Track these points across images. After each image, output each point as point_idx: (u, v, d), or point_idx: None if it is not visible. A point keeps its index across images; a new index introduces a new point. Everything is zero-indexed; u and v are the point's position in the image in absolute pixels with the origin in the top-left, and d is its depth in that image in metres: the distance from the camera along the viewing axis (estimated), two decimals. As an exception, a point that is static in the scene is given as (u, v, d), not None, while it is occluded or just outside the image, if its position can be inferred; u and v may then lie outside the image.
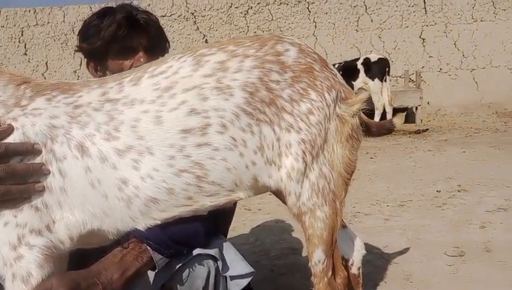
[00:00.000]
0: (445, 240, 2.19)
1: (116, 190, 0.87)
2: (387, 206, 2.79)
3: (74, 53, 7.19)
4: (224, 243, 1.11)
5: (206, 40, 7.16)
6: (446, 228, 2.35)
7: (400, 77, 7.06)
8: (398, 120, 1.15)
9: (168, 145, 0.88)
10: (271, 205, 2.95)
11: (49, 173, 0.86)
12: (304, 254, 2.15)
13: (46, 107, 0.88)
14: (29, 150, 0.85)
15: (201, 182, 0.90)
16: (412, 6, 7.15)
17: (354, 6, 7.22)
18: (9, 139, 0.85)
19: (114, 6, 1.34)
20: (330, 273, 1.02)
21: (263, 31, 7.23)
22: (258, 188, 0.97)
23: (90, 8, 7.12)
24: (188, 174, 0.89)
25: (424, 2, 7.14)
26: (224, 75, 0.91)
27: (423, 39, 7.19)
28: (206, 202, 0.92)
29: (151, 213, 0.90)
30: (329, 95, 0.98)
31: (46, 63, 7.27)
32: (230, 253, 1.10)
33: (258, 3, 7.25)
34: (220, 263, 1.05)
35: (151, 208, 0.89)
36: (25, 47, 7.31)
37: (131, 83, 0.92)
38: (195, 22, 7.28)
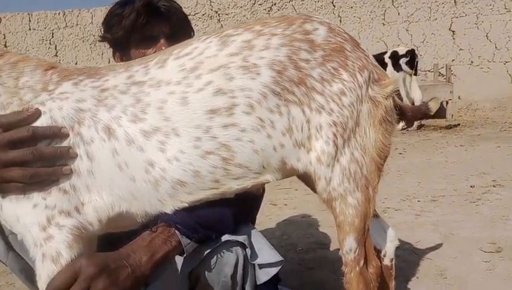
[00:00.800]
0: (480, 236, 2.09)
1: (143, 172, 0.86)
2: (418, 201, 2.70)
3: (102, 54, 7.39)
4: (252, 231, 1.09)
5: None
6: (481, 224, 2.25)
7: (429, 71, 6.85)
8: (434, 104, 1.09)
9: (194, 126, 0.86)
10: (297, 200, 2.91)
11: (77, 156, 0.85)
12: (332, 248, 2.10)
13: (73, 91, 0.88)
14: (56, 133, 0.85)
15: (228, 165, 0.88)
16: (441, -3, 6.93)
17: (380, 0, 7.06)
18: (37, 123, 0.85)
19: None
20: (362, 262, 0.98)
21: (287, 27, 7.19)
22: (286, 171, 0.94)
23: (117, 9, 7.27)
24: (214, 156, 0.87)
25: (454, -7, 6.91)
26: (250, 53, 0.88)
27: (453, 31, 6.95)
28: (233, 185, 0.90)
29: (178, 196, 0.88)
30: (362, 75, 0.94)
31: (76, 64, 7.46)
32: (258, 241, 1.07)
33: (281, 0, 7.21)
34: (248, 250, 1.02)
35: (178, 191, 0.88)
36: (56, 48, 7.53)
37: (156, 66, 0.91)
38: (219, 20, 7.31)
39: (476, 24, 6.86)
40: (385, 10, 7.06)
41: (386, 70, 5.63)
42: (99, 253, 0.88)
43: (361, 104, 0.94)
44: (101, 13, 7.32)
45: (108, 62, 7.24)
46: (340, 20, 7.11)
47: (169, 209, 0.89)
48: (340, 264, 1.01)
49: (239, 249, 1.02)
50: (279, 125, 0.88)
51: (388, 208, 2.59)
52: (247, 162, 0.88)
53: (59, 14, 7.49)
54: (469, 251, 1.94)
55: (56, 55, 7.53)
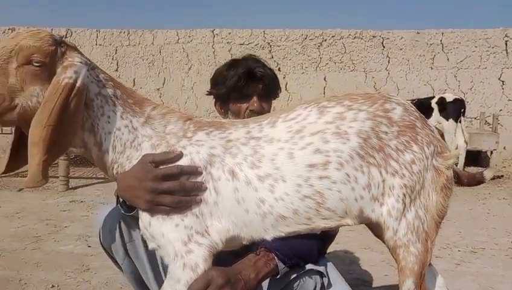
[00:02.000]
0: (520, 293, 2.18)
1: (255, 206, 1.10)
2: (459, 251, 2.79)
3: (158, 73, 7.90)
4: (328, 263, 1.30)
5: (279, 68, 7.49)
6: (521, 281, 2.33)
7: (475, 118, 6.85)
8: (489, 173, 1.27)
9: (297, 175, 1.10)
10: (339, 235, 3.06)
11: (207, 189, 1.10)
12: (374, 285, 2.25)
13: (206, 139, 1.14)
14: (194, 171, 1.10)
15: (319, 207, 1.10)
16: (493, 47, 6.98)
17: (430, 44, 7.20)
18: (180, 162, 1.11)
19: (239, 58, 1.65)
20: (417, 303, 1.16)
21: (335, 63, 7.43)
22: (362, 218, 1.15)
23: (177, 33, 7.79)
24: (310, 200, 1.10)
25: (506, 44, 6.94)
26: (342, 123, 1.12)
27: (502, 81, 6.96)
28: (321, 224, 1.13)
29: (279, 227, 1.12)
30: (429, 149, 1.15)
31: (134, 80, 7.99)
32: (333, 272, 1.28)
33: (333, 36, 7.48)
34: (325, 279, 1.24)
35: (279, 223, 1.11)
36: (117, 64, 8.11)
37: (268, 125, 1.16)
38: (270, 50, 7.66)
39: (527, 76, 6.84)
40: (434, 55, 7.17)
41: (432, 116, 5.73)
42: (222, 267, 1.11)
43: (426, 172, 1.14)
44: (161, 35, 7.85)
45: (164, 81, 7.74)
46: (389, 61, 7.29)
47: (270, 237, 1.12)
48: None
49: (318, 278, 1.24)
50: (361, 181, 1.11)
51: (428, 254, 2.70)
52: (334, 207, 1.11)
53: (124, 32, 8.06)
54: (507, 306, 2.04)
55: (117, 70, 8.09)
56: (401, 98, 1.22)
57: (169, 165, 1.10)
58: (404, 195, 1.12)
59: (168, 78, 7.81)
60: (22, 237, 3.17)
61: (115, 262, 1.43)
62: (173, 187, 1.07)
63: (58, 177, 4.91)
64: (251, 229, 1.12)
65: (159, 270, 1.42)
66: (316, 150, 1.10)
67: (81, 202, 4.30)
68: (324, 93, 7.45)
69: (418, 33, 7.28)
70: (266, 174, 1.10)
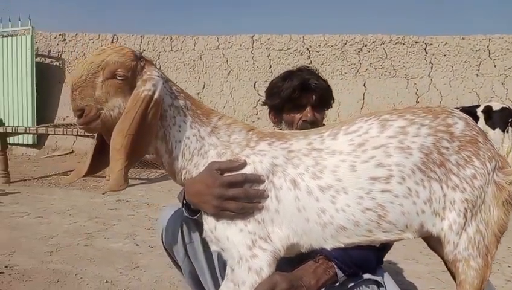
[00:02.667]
0: None
1: (316, 216, 1.14)
2: (509, 267, 2.70)
3: (199, 78, 8.10)
4: (385, 273, 1.32)
5: (318, 73, 7.48)
6: None
7: (524, 127, 6.55)
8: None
9: (359, 188, 1.13)
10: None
11: (268, 197, 1.15)
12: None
13: (268, 149, 1.20)
14: (257, 180, 1.16)
15: (380, 220, 1.13)
16: (545, 53, 6.67)
17: (476, 51, 6.96)
18: (244, 171, 1.17)
19: (294, 70, 1.70)
20: (475, 317, 1.16)
21: (375, 69, 7.34)
22: (422, 233, 1.16)
23: (217, 38, 7.96)
24: (371, 212, 1.12)
25: (560, 50, 6.61)
26: (405, 137, 1.14)
27: (555, 89, 6.62)
28: (381, 236, 1.15)
29: (338, 237, 1.15)
30: (490, 164, 1.15)
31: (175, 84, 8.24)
32: (389, 283, 1.30)
33: (373, 42, 7.39)
34: (382, 289, 1.25)
35: (339, 234, 1.14)
36: (160, 69, 8.38)
37: (330, 137, 1.20)
38: (309, 56, 7.66)
39: None
40: (480, 61, 6.94)
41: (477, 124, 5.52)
42: (285, 273, 1.15)
43: (488, 187, 1.15)
44: (202, 41, 8.05)
45: (204, 86, 7.92)
46: (432, 67, 7.11)
47: (328, 247, 1.15)
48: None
49: (375, 287, 1.26)
50: (422, 196, 1.12)
51: (476, 268, 2.63)
52: (395, 221, 1.13)
53: (166, 38, 8.34)
54: None
55: (158, 75, 8.38)
56: (462, 113, 1.22)
57: (234, 173, 1.16)
58: (466, 209, 1.12)
59: (208, 82, 7.99)
60: (75, 233, 3.36)
61: (175, 262, 1.51)
62: (238, 194, 1.13)
63: (105, 176, 5.15)
64: (310, 238, 1.15)
65: (216, 272, 1.48)
66: (379, 164, 1.13)
67: (127, 201, 4.49)
68: (363, 100, 7.37)
69: (463, 39, 7.06)
70: (328, 185, 1.14)
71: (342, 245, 1.15)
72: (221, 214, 1.15)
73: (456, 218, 1.12)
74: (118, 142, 1.10)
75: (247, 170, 1.17)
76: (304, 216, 1.14)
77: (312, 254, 1.20)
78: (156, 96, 1.15)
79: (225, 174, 1.16)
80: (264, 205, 1.15)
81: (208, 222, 1.19)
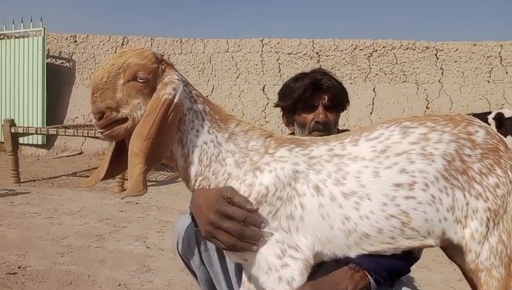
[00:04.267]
0: None
1: (339, 223, 1.12)
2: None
3: (208, 81, 8.12)
4: (410, 284, 1.30)
5: (332, 75, 7.47)
6: None
7: (535, 135, 6.49)
8: None
9: (383, 194, 1.11)
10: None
11: (293, 206, 1.12)
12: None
13: (289, 156, 1.17)
14: (257, 223, 1.09)
15: (404, 227, 1.11)
16: (558, 61, 6.60)
17: (488, 57, 6.92)
18: (265, 181, 1.11)
19: (307, 72, 1.66)
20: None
21: (385, 74, 7.31)
22: (444, 240, 1.14)
23: (227, 42, 7.98)
24: (395, 219, 1.11)
25: None
26: (427, 144, 1.13)
27: None
28: (404, 243, 1.13)
29: (362, 245, 1.13)
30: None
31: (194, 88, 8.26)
32: (409, 295, 1.27)
33: (384, 47, 7.37)
34: (404, 301, 1.23)
35: (363, 241, 1.12)
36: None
37: (351, 144, 1.18)
38: (318, 60, 7.65)
39: None
40: (492, 68, 6.89)
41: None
42: (317, 280, 1.12)
43: (510, 196, 1.13)
44: (212, 44, 8.07)
45: (212, 89, 7.94)
46: (442, 73, 7.07)
47: (352, 255, 1.13)
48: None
49: None
50: (445, 203, 1.11)
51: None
52: (419, 227, 1.11)
53: (177, 41, 8.36)
54: None
55: (168, 77, 8.41)
56: (482, 122, 1.21)
57: (236, 209, 1.08)
58: (488, 219, 1.11)
59: (217, 85, 8.00)
60: (86, 234, 3.37)
61: (191, 271, 1.49)
62: (232, 229, 1.07)
63: (114, 178, 5.17)
64: (334, 245, 1.13)
65: (231, 279, 1.47)
66: (402, 170, 1.11)
67: (136, 203, 4.50)
68: (373, 105, 7.34)
69: (474, 45, 7.02)
70: (351, 191, 1.12)
71: (366, 252, 1.13)
72: (212, 241, 1.12)
73: (478, 227, 1.10)
74: (137, 146, 1.07)
75: (268, 180, 1.12)
76: (328, 223, 1.12)
77: (331, 263, 1.17)
78: (176, 100, 1.12)
79: (230, 205, 1.09)
80: (289, 213, 1.12)
81: None
